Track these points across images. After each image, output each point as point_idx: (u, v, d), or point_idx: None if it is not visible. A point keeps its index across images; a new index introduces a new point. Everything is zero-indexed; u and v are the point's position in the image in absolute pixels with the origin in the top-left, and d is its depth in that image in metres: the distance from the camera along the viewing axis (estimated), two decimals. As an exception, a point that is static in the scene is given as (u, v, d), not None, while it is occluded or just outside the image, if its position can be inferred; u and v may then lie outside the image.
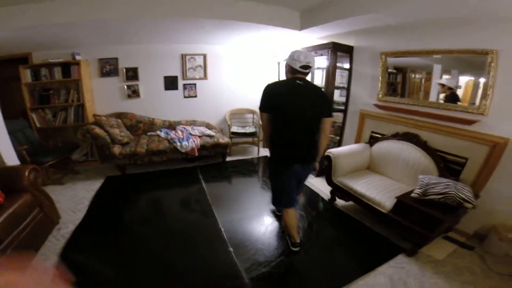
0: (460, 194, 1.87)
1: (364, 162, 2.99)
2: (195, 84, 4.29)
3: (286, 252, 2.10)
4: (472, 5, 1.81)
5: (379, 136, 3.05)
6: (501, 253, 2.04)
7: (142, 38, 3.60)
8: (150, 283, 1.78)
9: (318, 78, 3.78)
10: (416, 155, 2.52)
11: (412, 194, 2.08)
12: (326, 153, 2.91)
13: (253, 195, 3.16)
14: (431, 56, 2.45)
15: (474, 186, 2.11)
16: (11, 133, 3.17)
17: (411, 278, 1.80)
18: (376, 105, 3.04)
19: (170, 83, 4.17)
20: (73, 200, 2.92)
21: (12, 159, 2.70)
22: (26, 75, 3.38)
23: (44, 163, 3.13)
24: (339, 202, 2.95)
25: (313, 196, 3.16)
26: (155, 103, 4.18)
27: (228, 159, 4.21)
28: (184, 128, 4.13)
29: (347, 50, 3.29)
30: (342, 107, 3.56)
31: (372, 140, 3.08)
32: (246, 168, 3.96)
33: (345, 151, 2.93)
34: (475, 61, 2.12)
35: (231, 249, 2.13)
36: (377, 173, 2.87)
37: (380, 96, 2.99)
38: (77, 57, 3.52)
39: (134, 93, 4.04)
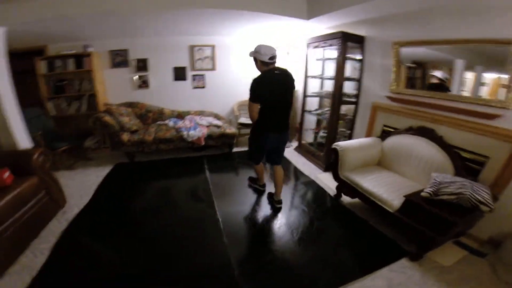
0: (476, 195, 1.65)
1: (375, 157, 2.78)
2: (203, 75, 4.22)
3: (282, 248, 1.99)
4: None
5: (392, 130, 2.82)
6: (516, 262, 1.81)
7: (151, 31, 3.57)
8: (142, 267, 1.77)
9: (329, 70, 3.57)
10: (431, 151, 2.28)
11: (422, 193, 1.87)
12: (333, 146, 2.74)
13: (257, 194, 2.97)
14: (445, 45, 2.18)
15: (493, 188, 1.87)
16: (28, 120, 3.28)
17: (411, 284, 1.63)
18: (389, 97, 2.81)
19: (179, 74, 4.12)
20: (82, 185, 2.98)
21: (25, 144, 2.78)
22: (42, 67, 3.47)
23: (58, 149, 3.23)
24: (345, 198, 2.78)
25: (318, 191, 3.00)
26: (164, 94, 4.17)
27: (234, 150, 4.12)
28: (193, 118, 4.09)
29: (358, 41, 3.07)
30: (354, 99, 3.34)
31: (384, 134, 2.86)
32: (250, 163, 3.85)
33: (354, 145, 2.73)
34: (498, 54, 1.83)
35: (225, 240, 2.07)
36: (388, 169, 2.65)
37: (393, 88, 2.75)
38: (89, 49, 3.56)
39: (144, 83, 4.04)
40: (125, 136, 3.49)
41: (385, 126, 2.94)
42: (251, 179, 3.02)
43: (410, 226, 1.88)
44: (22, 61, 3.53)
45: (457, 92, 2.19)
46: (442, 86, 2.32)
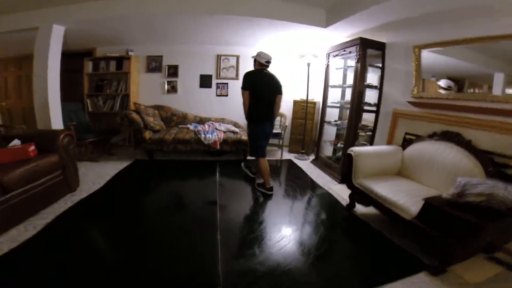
0: (511, 197, 1.36)
1: (394, 166, 2.52)
2: (227, 84, 4.39)
3: (290, 262, 1.67)
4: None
5: (414, 137, 2.58)
6: None
7: (183, 38, 3.91)
8: (133, 259, 1.64)
9: (350, 79, 3.48)
10: (456, 157, 2.00)
11: (444, 195, 1.61)
12: (347, 152, 2.56)
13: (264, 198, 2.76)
14: (470, 44, 2.00)
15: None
16: (68, 112, 3.65)
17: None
18: (411, 103, 2.64)
19: (205, 81, 4.34)
20: (98, 174, 3.09)
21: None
22: (88, 66, 3.93)
23: (86, 139, 3.48)
24: (359, 209, 2.51)
25: (330, 201, 2.76)
26: (189, 99, 4.38)
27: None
28: (212, 123, 4.18)
29: (379, 47, 3.01)
30: (374, 108, 3.17)
31: (406, 143, 2.63)
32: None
33: (370, 150, 2.54)
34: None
35: (219, 236, 1.92)
36: (409, 179, 2.37)
37: (415, 92, 2.58)
38: (130, 53, 3.97)
39: (172, 88, 4.31)
40: (147, 134, 3.66)
41: (406, 134, 2.72)
42: (258, 185, 2.89)
43: (430, 234, 1.59)
44: (74, 61, 4.04)
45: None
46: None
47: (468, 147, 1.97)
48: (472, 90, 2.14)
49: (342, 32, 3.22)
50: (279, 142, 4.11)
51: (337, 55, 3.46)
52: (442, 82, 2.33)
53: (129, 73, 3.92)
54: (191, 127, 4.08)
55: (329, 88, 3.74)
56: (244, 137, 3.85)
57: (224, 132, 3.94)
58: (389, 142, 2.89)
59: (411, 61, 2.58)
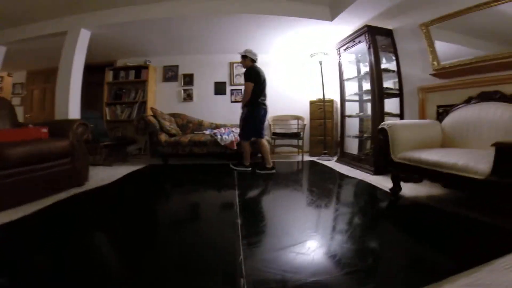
0: None
1: (435, 138, 2.17)
2: (241, 90, 4.32)
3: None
4: None
5: (448, 108, 2.29)
6: None
7: (198, 48, 4.03)
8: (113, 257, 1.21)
9: (363, 70, 3.31)
10: (505, 113, 1.74)
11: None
12: (380, 127, 2.25)
13: (284, 196, 2.25)
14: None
15: None
16: (86, 119, 3.60)
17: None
18: (435, 75, 2.49)
19: (219, 88, 4.31)
20: (108, 174, 2.86)
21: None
22: (109, 76, 4.02)
23: (101, 142, 3.35)
24: (405, 192, 2.09)
25: (369, 189, 2.33)
26: (205, 107, 4.31)
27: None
28: (228, 128, 4.01)
29: (387, 34, 3.03)
30: (396, 91, 2.99)
31: (441, 116, 2.33)
32: (286, 170, 3.37)
33: (405, 122, 2.32)
34: None
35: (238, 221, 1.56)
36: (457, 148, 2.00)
37: (435, 65, 2.46)
38: (148, 63, 4.07)
39: (188, 96, 4.29)
40: (163, 137, 3.51)
41: (439, 106, 2.47)
42: (235, 164, 3.11)
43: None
44: (95, 75, 4.16)
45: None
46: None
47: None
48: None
49: (348, 25, 3.23)
50: (298, 143, 3.82)
51: (347, 47, 3.41)
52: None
53: (147, 81, 3.96)
54: (207, 132, 3.91)
55: (345, 82, 3.58)
56: (262, 137, 3.61)
57: (241, 133, 3.74)
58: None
59: (422, 38, 2.54)
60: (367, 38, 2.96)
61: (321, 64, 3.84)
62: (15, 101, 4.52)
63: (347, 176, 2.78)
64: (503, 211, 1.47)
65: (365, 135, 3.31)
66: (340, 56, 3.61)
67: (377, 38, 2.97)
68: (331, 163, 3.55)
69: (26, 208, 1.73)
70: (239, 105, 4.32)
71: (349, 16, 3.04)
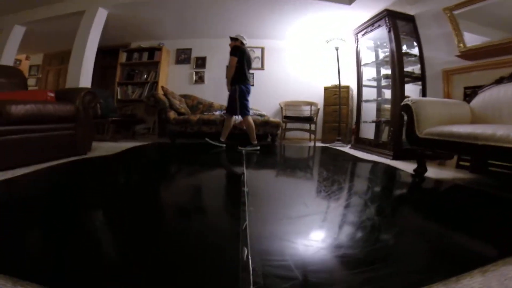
0: None
1: (463, 116, 1.93)
2: (253, 74, 4.14)
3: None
4: None
5: (478, 89, 2.05)
6: None
7: (211, 32, 3.90)
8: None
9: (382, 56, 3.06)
10: None
11: None
12: (403, 103, 2.03)
13: (297, 174, 2.08)
14: None
15: None
16: (98, 95, 3.55)
17: None
18: (462, 56, 2.32)
19: (231, 71, 4.16)
20: (112, 148, 2.74)
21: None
22: (123, 57, 3.95)
23: (110, 117, 3.27)
24: (431, 173, 1.86)
25: (391, 170, 2.09)
26: (216, 89, 4.15)
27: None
28: (238, 111, 3.85)
29: (408, 19, 2.84)
30: (418, 75, 2.79)
31: (468, 98, 2.10)
32: (297, 153, 3.17)
33: (432, 99, 2.08)
34: None
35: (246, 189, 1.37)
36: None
37: (462, 46, 2.28)
38: (162, 45, 3.97)
39: (200, 79, 4.17)
40: (172, 114, 3.39)
41: (466, 88, 2.30)
42: (212, 139, 3.02)
43: None
44: (109, 58, 4.11)
45: None
46: None
47: None
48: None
49: (367, 9, 3.03)
50: (311, 127, 3.60)
51: (365, 32, 3.19)
52: None
53: (160, 63, 3.87)
54: (217, 113, 3.77)
55: (362, 68, 3.35)
56: (273, 119, 3.43)
57: (251, 115, 3.56)
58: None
59: (446, 22, 2.42)
60: (387, 22, 2.78)
61: (337, 50, 3.61)
62: (31, 82, 4.53)
63: (364, 160, 2.55)
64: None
65: (383, 119, 3.06)
66: (358, 41, 3.37)
67: (397, 23, 2.78)
68: (346, 149, 3.31)
69: (18, 171, 1.56)
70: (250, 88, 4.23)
71: (370, 1, 2.87)
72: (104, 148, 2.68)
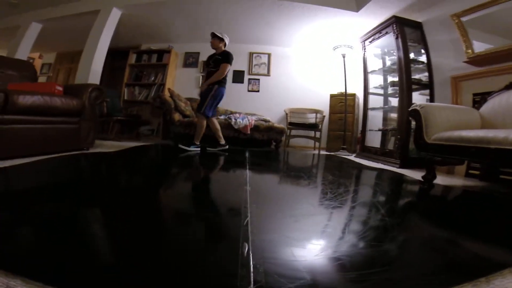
0: None
1: (472, 122, 1.90)
2: (259, 80, 4.20)
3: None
4: None
5: (487, 95, 2.03)
6: None
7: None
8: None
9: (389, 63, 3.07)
10: None
11: None
12: (411, 108, 2.00)
13: (303, 178, 2.19)
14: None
15: None
16: (105, 95, 3.59)
17: None
18: (470, 62, 2.31)
19: (238, 76, 4.21)
20: (115, 146, 2.73)
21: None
22: (132, 58, 4.03)
23: (115, 116, 3.29)
24: (440, 181, 1.80)
25: (398, 177, 2.04)
26: (221, 94, 4.19)
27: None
28: (243, 114, 3.85)
29: (416, 26, 2.86)
30: (426, 82, 2.78)
31: (477, 105, 2.08)
32: (302, 159, 3.12)
33: (441, 104, 2.06)
34: None
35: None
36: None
37: (470, 52, 2.29)
38: (171, 48, 4.07)
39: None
40: (177, 116, 3.41)
41: (475, 95, 2.28)
42: (186, 144, 2.84)
43: None
44: (119, 60, 4.20)
45: None
46: None
47: None
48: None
49: (375, 17, 3.04)
50: (315, 134, 3.57)
51: (372, 39, 3.22)
52: None
53: (168, 65, 3.94)
54: (221, 117, 3.77)
55: (369, 75, 3.35)
56: (277, 124, 3.42)
57: (255, 120, 3.56)
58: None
59: (454, 29, 2.43)
60: (394, 28, 2.81)
61: (344, 57, 3.64)
62: (41, 79, 4.62)
63: (370, 167, 2.49)
64: None
65: (390, 127, 3.02)
66: (365, 49, 3.40)
67: (405, 30, 2.81)
68: (351, 157, 3.26)
69: (18, 162, 1.54)
70: (255, 94, 4.28)
71: (375, 6, 2.91)
72: (106, 145, 2.68)
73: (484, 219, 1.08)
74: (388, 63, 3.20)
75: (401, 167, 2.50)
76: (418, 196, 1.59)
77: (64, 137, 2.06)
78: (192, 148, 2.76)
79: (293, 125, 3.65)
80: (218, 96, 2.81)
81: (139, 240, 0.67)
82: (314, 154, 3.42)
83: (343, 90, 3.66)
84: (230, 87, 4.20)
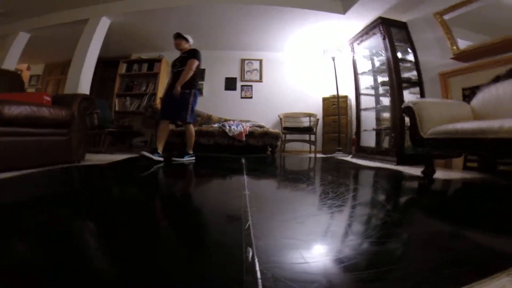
0: None
1: (464, 116, 1.92)
2: (251, 86, 4.21)
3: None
4: None
5: (476, 89, 2.09)
6: None
7: (211, 44, 3.97)
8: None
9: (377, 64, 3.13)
10: None
11: None
12: (404, 106, 2.02)
13: (301, 180, 2.18)
14: None
15: None
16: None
17: None
18: (456, 58, 2.38)
19: (230, 84, 4.21)
20: (107, 158, 2.64)
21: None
22: (123, 68, 3.98)
23: (106, 128, 3.21)
24: (439, 175, 1.79)
25: (397, 174, 2.04)
26: (215, 101, 4.19)
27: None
28: (237, 121, 3.82)
29: (401, 26, 2.96)
30: (415, 80, 2.85)
31: (467, 99, 2.14)
32: (299, 162, 3.09)
33: (433, 100, 2.12)
34: None
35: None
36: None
37: (455, 49, 2.36)
38: (161, 56, 4.04)
39: (199, 91, 4.17)
40: (170, 126, 3.34)
41: (464, 89, 2.36)
42: (149, 151, 2.58)
43: None
44: (108, 71, 4.14)
45: None
46: None
47: None
48: None
49: (361, 18, 3.13)
50: (310, 137, 3.56)
51: (361, 41, 3.31)
52: None
53: (159, 74, 3.91)
54: (215, 125, 3.73)
55: (359, 76, 3.41)
56: (272, 129, 3.40)
57: (250, 127, 3.53)
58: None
59: (438, 27, 2.50)
60: (381, 29, 2.90)
61: (334, 60, 3.69)
62: (29, 91, 4.51)
63: (368, 167, 2.48)
64: None
65: (384, 126, 3.04)
66: (353, 50, 3.48)
67: (391, 30, 2.90)
68: (347, 158, 3.25)
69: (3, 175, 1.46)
70: (249, 100, 4.27)
71: (361, 8, 2.99)
72: (97, 158, 2.59)
73: (488, 211, 1.05)
74: (377, 63, 3.26)
75: (398, 164, 2.51)
76: (420, 191, 1.58)
77: (54, 149, 1.98)
78: (186, 158, 2.65)
79: (288, 130, 3.64)
80: (196, 100, 2.73)
81: (139, 249, 0.63)
82: (310, 158, 3.40)
83: (335, 93, 3.70)
84: (223, 95, 4.22)
